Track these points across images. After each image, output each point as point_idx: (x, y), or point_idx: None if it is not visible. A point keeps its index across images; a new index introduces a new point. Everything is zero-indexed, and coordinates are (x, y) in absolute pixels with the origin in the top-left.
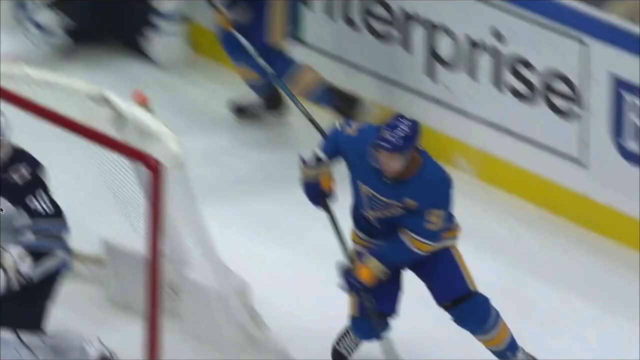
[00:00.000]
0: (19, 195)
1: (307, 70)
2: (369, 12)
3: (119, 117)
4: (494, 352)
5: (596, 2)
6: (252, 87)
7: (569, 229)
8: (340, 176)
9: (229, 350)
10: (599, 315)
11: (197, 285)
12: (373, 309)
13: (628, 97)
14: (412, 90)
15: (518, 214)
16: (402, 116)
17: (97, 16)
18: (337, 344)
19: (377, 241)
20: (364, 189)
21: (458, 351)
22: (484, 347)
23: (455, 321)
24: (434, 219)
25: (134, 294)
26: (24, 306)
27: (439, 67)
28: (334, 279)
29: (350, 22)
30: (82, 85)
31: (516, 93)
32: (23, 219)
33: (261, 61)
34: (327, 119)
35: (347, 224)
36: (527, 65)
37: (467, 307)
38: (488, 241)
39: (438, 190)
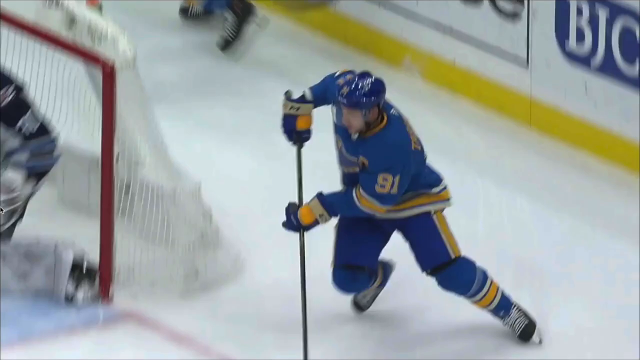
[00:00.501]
0: (6, 118)
1: None
2: None
3: (71, 19)
4: (488, 312)
5: None
6: (209, 5)
7: (512, 129)
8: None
9: (180, 249)
10: (539, 209)
11: (149, 185)
12: (302, 250)
13: None
14: None
15: (464, 114)
16: (367, 74)
17: None
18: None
19: None
20: (339, 143)
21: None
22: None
23: (440, 286)
24: (383, 182)
25: (85, 193)
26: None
27: None
28: (286, 181)
29: None
30: None
31: None
32: (14, 141)
33: None
34: None
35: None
36: None
37: (448, 274)
38: (436, 142)
39: (391, 154)
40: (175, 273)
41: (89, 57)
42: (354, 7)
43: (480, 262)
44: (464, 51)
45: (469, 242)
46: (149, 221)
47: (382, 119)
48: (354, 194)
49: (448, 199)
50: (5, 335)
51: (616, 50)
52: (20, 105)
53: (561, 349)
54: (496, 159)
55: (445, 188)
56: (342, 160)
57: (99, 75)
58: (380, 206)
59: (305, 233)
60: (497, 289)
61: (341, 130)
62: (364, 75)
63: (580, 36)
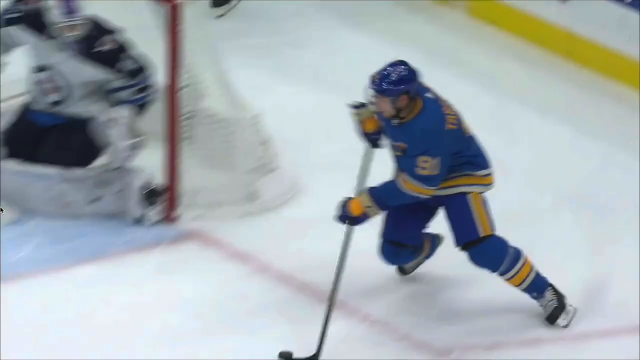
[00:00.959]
0: (112, 61)
1: None
2: None
3: None
4: (522, 291)
5: None
6: None
7: (552, 61)
8: None
9: (241, 174)
10: (577, 137)
11: (212, 114)
12: (347, 240)
13: None
14: None
15: (506, 48)
16: (401, 62)
17: None
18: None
19: None
20: (384, 128)
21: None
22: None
23: (472, 262)
24: (423, 164)
25: (154, 122)
26: (86, 147)
27: None
28: (343, 113)
29: None
30: None
31: None
32: (119, 80)
33: None
34: None
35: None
36: None
37: (479, 251)
38: (480, 75)
39: (426, 138)
40: (235, 196)
41: None
42: None
43: (521, 189)
44: None
45: (511, 170)
46: (212, 148)
47: (417, 104)
48: (398, 180)
49: (489, 184)
50: (79, 254)
51: None
52: (120, 48)
53: (600, 270)
54: (537, 89)
55: (490, 174)
56: (390, 145)
57: (165, 9)
58: (426, 188)
59: (353, 225)
60: (531, 269)
61: (382, 117)
62: (396, 63)
63: None
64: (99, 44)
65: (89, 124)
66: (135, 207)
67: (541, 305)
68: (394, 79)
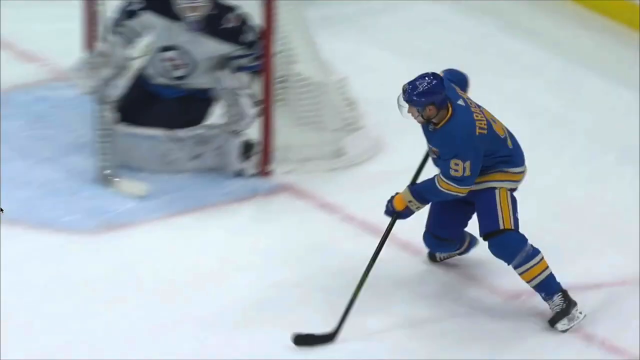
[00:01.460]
0: (236, 36)
1: None
2: None
3: None
4: (533, 288)
5: None
6: None
7: (617, 30)
8: None
9: (329, 132)
10: (636, 98)
11: (303, 78)
12: (387, 233)
13: None
14: None
15: (575, 18)
16: (428, 75)
17: None
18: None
19: None
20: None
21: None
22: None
23: (489, 250)
24: (455, 167)
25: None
26: (197, 109)
27: None
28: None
29: None
30: None
31: None
32: (239, 50)
33: None
34: None
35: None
36: None
37: (497, 241)
38: (550, 43)
39: (455, 144)
40: (324, 152)
41: None
42: None
43: (586, 146)
44: None
45: (576, 130)
46: (302, 109)
47: (449, 111)
48: (435, 179)
49: (519, 180)
50: (181, 205)
51: None
52: (243, 22)
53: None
54: (601, 55)
55: (523, 171)
56: (428, 147)
57: None
58: (459, 187)
59: (397, 219)
60: (545, 269)
61: (420, 122)
62: (425, 75)
63: None
64: (225, 21)
65: (208, 94)
66: (234, 161)
67: (550, 307)
68: (419, 91)
